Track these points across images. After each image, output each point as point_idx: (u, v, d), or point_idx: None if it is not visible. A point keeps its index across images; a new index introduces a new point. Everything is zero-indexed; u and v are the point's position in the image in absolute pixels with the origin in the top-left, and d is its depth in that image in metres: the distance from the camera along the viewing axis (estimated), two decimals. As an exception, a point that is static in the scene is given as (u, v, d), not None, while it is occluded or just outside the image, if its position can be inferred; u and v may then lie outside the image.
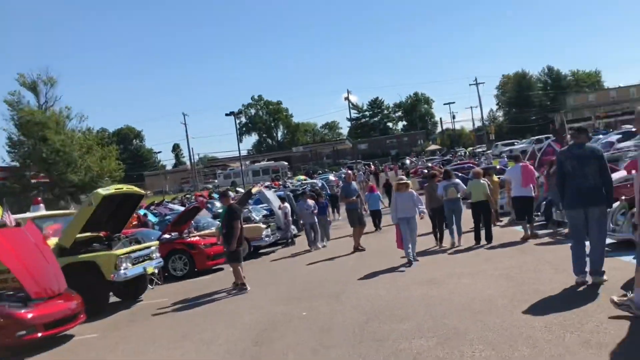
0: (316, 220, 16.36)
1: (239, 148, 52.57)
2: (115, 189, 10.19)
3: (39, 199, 11.40)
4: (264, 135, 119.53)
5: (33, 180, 47.70)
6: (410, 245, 11.02)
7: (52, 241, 9.92)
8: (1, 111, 49.46)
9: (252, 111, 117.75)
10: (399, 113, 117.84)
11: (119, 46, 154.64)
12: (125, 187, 10.75)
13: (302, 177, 55.08)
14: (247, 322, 8.00)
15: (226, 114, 47.09)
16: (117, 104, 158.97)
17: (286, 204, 19.29)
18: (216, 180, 79.20)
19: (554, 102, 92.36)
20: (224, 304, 9.75)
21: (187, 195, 54.22)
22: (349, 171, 18.83)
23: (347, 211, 14.99)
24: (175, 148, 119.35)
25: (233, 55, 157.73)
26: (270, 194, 20.26)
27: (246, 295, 10.13)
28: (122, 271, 9.65)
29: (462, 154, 59.54)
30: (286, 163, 76.60)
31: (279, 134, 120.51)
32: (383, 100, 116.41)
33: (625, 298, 5.54)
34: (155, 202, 49.69)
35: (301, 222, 17.58)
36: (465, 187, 13.05)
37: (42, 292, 7.34)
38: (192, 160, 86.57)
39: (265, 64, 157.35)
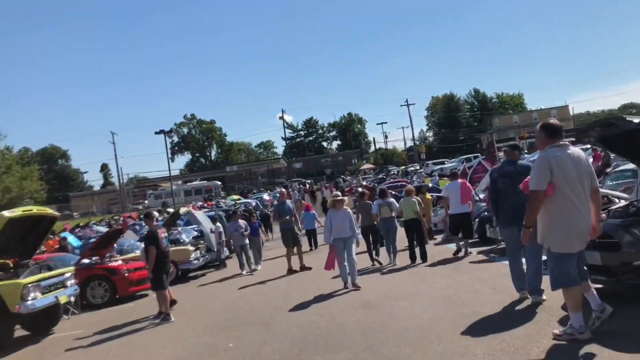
0: (247, 241, 15.67)
1: (169, 167, 51.03)
2: (23, 211, 9.22)
3: None
4: (197, 154, 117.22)
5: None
6: (347, 269, 10.29)
7: (-52, 270, 8.85)
8: None
9: (185, 130, 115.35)
10: (334, 132, 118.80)
11: (44, 61, 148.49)
12: (36, 209, 9.77)
13: (236, 196, 54.11)
14: (168, 355, 7.29)
15: (155, 132, 45.57)
16: (41, 122, 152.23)
17: (218, 224, 18.59)
18: (146, 201, 76.74)
19: (481, 123, 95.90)
20: (145, 335, 8.94)
21: (115, 217, 52.12)
22: (283, 189, 18.26)
23: (282, 231, 14.33)
24: (104, 168, 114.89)
25: (165, 73, 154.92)
26: (200, 215, 19.45)
27: (170, 325, 9.36)
28: (29, 302, 8.65)
29: (395, 172, 60.38)
30: (219, 183, 75.35)
31: (213, 153, 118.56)
32: (317, 120, 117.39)
33: (563, 329, 5.31)
34: (81, 224, 47.40)
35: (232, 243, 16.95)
36: (397, 206, 12.88)
37: None
38: (121, 181, 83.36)
39: (198, 83, 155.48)
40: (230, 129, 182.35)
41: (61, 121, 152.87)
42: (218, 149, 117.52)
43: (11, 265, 10.02)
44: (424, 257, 12.19)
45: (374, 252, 13.07)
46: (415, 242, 12.35)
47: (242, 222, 15.86)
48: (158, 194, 73.39)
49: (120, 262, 13.71)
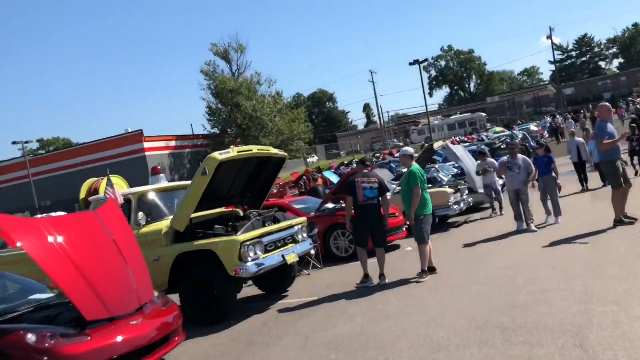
0: (523, 186, 10.98)
1: (425, 101, 48.10)
2: (239, 152, 7.55)
3: (158, 167, 9.20)
4: (455, 87, 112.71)
5: (231, 146, 49.42)
6: None
7: (163, 223, 7.67)
8: (200, 81, 51.83)
9: (442, 63, 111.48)
10: (614, 49, 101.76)
11: (304, 10, 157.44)
12: (256, 149, 8.06)
13: (499, 129, 49.27)
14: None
15: (410, 63, 43.01)
16: (309, 68, 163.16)
17: (490, 159, 15.01)
18: (398, 139, 76.21)
19: None
20: (394, 308, 6.65)
21: (377, 154, 52.08)
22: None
23: (607, 163, 9.42)
24: (366, 107, 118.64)
25: (420, 5, 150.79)
26: (458, 149, 16.46)
27: (412, 302, 6.89)
28: (249, 263, 7.04)
29: None
30: (484, 114, 69.88)
31: (472, 84, 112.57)
32: (593, 36, 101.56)
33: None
34: (345, 162, 48.53)
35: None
36: None
37: (103, 311, 4.91)
38: (381, 118, 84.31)
39: (453, 14, 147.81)
40: (489, 58, 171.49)
41: (326, 65, 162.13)
42: (477, 79, 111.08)
43: (241, 214, 8.65)
44: None
45: None
46: None
47: (521, 157, 11.40)
48: (421, 129, 71.24)
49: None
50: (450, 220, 14.22)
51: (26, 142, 43.38)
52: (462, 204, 13.56)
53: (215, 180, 7.50)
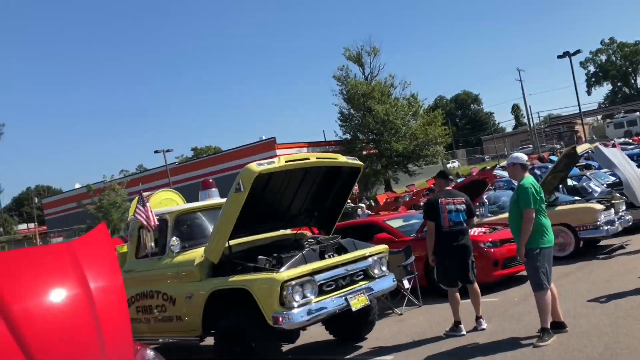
0: None
1: (577, 97, 42.03)
2: (288, 161, 5.79)
3: (210, 180, 7.70)
4: (618, 83, 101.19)
5: (363, 152, 48.24)
6: None
7: (199, 251, 6.11)
8: (332, 87, 51.17)
9: (602, 57, 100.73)
10: None
11: (441, 6, 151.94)
12: (314, 157, 6.25)
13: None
14: None
15: (558, 56, 38.00)
16: (450, 69, 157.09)
17: None
18: (561, 141, 69.06)
19: None
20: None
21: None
22: None
23: None
24: (515, 108, 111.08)
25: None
26: (614, 153, 13.22)
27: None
28: (296, 310, 5.26)
29: None
30: None
31: (639, 80, 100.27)
32: None
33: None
34: (487, 167, 44.83)
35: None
36: None
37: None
38: (531, 119, 77.77)
39: (617, 2, 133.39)
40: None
41: (470, 65, 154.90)
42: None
43: (308, 235, 6.91)
44: None
45: None
46: None
47: None
48: (619, 122, 61.01)
49: (483, 229, 9.34)
50: (601, 244, 11.24)
51: (167, 150, 45.85)
52: (616, 224, 10.54)
53: (266, 197, 5.85)
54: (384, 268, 6.58)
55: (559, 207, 10.60)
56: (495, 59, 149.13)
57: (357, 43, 57.57)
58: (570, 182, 14.52)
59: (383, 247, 6.69)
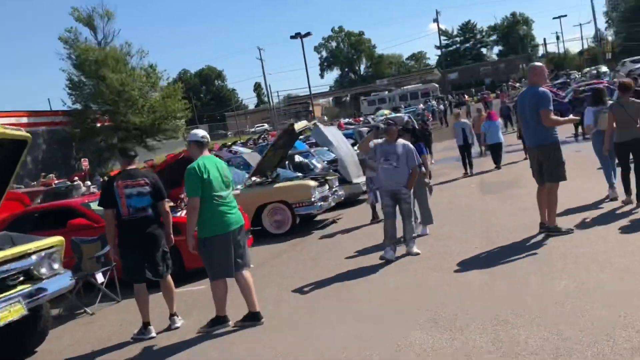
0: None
1: (307, 77, 45.25)
2: None
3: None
4: (346, 69, 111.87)
5: (97, 125, 44.23)
6: None
7: None
8: (59, 50, 45.49)
9: (333, 44, 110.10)
10: (494, 37, 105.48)
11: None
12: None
13: (386, 111, 47.97)
14: None
15: (291, 37, 39.88)
16: (195, 43, 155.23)
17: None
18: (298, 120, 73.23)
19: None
20: None
21: (264, 136, 48.89)
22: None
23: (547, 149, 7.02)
24: (257, 86, 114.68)
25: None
26: (332, 130, 13.85)
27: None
28: None
29: (577, 75, 49.85)
30: (437, 85, 67.66)
31: (362, 67, 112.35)
32: (475, 23, 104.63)
33: None
34: (228, 143, 44.89)
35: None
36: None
37: None
38: (271, 98, 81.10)
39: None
40: (379, 40, 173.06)
41: (215, 40, 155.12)
42: (367, 62, 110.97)
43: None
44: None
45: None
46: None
47: (402, 142, 8.12)
48: (371, 100, 67.04)
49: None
50: (317, 219, 11.60)
51: None
52: (330, 199, 10.92)
53: None
54: (57, 265, 5.38)
55: (277, 185, 10.52)
56: (239, 36, 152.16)
57: (87, 5, 52.30)
58: (299, 158, 14.85)
59: (55, 239, 5.46)
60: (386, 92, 67.42)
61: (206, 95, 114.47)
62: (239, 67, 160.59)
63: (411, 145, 7.30)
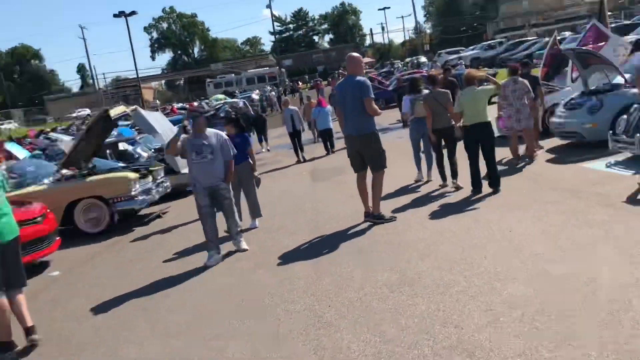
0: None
1: (134, 59, 42.56)
2: None
3: None
4: (178, 52, 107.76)
5: None
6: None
7: None
8: None
9: (164, 25, 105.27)
10: (325, 25, 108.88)
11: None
12: None
13: (221, 96, 46.91)
14: None
15: (114, 15, 37.11)
16: (7, 17, 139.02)
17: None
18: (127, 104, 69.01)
19: (485, 11, 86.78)
20: None
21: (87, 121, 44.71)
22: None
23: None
24: (80, 68, 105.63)
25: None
26: (155, 116, 12.91)
27: None
28: None
29: (400, 65, 53.32)
30: (283, 70, 65.85)
31: (196, 50, 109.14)
32: (307, 11, 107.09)
33: None
34: (47, 129, 40.50)
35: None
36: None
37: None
38: (96, 80, 75.52)
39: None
40: (213, 24, 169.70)
41: (28, 16, 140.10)
42: (201, 45, 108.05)
43: None
44: (495, 183, 7.41)
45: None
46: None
47: (213, 132, 7.90)
48: (218, 82, 63.52)
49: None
50: (142, 213, 10.68)
51: None
52: (153, 192, 10.06)
53: None
54: None
55: (91, 178, 9.43)
56: (57, 13, 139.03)
57: None
58: (124, 146, 13.64)
59: None
60: (233, 75, 66.09)
61: (20, 77, 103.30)
62: (60, 46, 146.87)
63: (224, 135, 6.84)
